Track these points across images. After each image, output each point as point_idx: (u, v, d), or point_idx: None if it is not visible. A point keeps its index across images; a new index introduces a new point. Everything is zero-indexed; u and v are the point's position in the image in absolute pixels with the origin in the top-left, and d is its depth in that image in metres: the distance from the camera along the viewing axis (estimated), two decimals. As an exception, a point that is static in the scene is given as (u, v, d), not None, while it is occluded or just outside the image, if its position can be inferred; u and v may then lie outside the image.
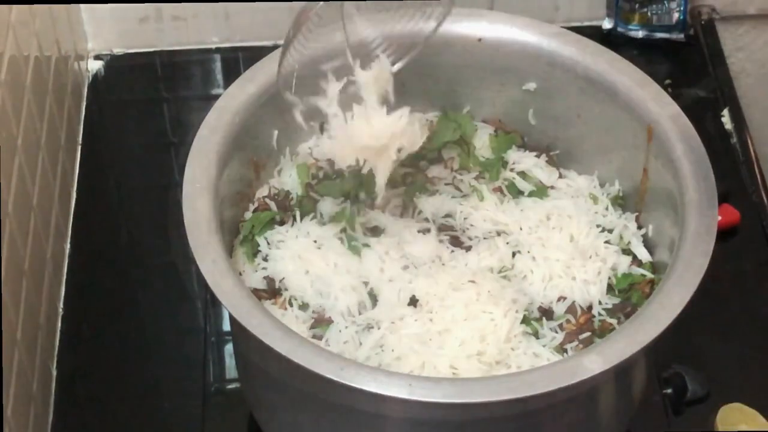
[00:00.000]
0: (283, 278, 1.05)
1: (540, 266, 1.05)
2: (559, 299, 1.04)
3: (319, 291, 1.04)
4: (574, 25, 1.45)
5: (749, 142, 1.39)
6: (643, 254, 1.08)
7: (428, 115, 1.18)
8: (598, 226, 1.09)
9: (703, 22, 1.51)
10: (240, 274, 1.05)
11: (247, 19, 1.48)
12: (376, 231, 1.08)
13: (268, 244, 1.08)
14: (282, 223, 1.10)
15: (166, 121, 1.45)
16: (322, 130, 1.15)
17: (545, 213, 1.10)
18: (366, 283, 1.04)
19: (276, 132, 1.12)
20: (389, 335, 0.99)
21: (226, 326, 1.23)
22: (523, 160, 1.15)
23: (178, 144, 1.40)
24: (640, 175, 1.09)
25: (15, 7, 1.15)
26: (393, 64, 1.03)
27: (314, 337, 1.01)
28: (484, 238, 1.09)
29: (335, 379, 0.88)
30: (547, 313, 1.04)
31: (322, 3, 0.94)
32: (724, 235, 1.20)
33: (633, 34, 1.50)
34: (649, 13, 1.49)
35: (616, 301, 1.05)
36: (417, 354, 0.98)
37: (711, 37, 1.50)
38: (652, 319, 0.92)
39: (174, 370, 1.21)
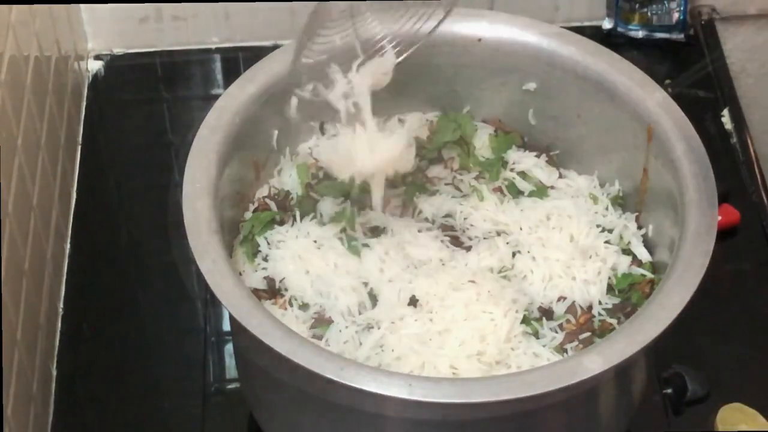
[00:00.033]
0: (283, 278, 1.05)
1: (540, 266, 1.05)
2: (559, 299, 1.04)
3: (319, 291, 1.04)
4: (574, 25, 1.45)
5: (749, 142, 1.39)
6: (643, 254, 1.08)
7: (428, 115, 1.18)
8: (598, 226, 1.09)
9: (703, 22, 1.51)
10: (240, 274, 1.05)
11: (247, 19, 1.48)
12: (376, 231, 1.08)
13: (268, 244, 1.08)
14: (282, 223, 1.10)
15: (166, 121, 1.45)
16: (322, 130, 1.15)
17: (545, 213, 1.10)
18: (366, 283, 1.04)
19: (276, 132, 1.12)
20: (389, 335, 0.99)
21: (226, 326, 1.23)
22: (523, 160, 1.15)
23: (178, 144, 1.40)
24: (640, 175, 1.09)
25: (15, 7, 1.15)
26: (397, 56, 1.03)
27: (314, 337, 1.01)
28: (484, 238, 1.09)
29: (335, 379, 0.88)
30: (547, 313, 1.04)
31: (341, 3, 0.96)
32: (724, 235, 1.20)
33: (633, 34, 1.50)
34: (649, 13, 1.49)
35: (616, 301, 1.05)
36: (417, 354, 0.98)
37: (711, 37, 1.50)
38: (652, 319, 0.92)
39: (174, 370, 1.21)
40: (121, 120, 1.44)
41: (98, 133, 1.42)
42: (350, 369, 0.89)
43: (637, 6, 1.48)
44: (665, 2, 1.48)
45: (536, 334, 1.02)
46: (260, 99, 1.07)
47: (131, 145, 1.42)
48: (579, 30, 1.14)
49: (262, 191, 1.12)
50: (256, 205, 1.11)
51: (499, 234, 1.09)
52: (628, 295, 1.05)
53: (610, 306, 1.04)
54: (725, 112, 1.42)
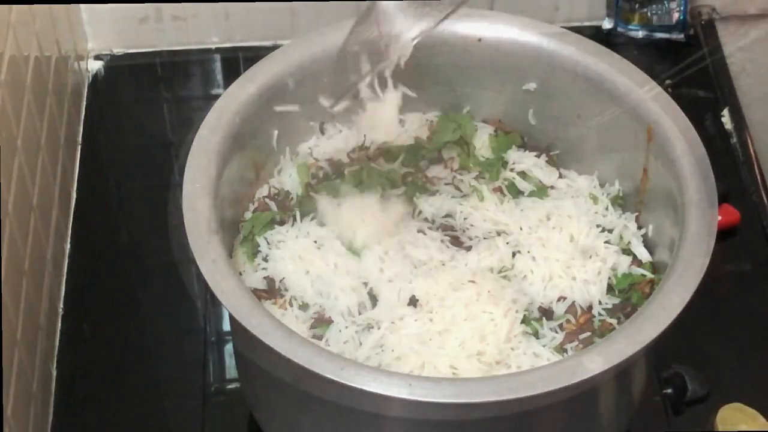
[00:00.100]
0: (283, 278, 1.05)
1: (540, 266, 1.05)
2: (559, 299, 1.04)
3: (319, 291, 1.04)
4: (574, 25, 1.46)
5: (749, 142, 1.39)
6: (643, 254, 1.08)
7: (428, 115, 1.18)
8: (598, 226, 1.09)
9: (703, 22, 1.51)
10: (240, 274, 1.05)
11: (247, 19, 1.48)
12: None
13: (268, 244, 1.08)
14: (282, 223, 1.10)
15: (166, 121, 1.45)
16: (322, 130, 1.15)
17: (545, 213, 1.10)
18: (366, 284, 1.04)
19: (276, 132, 1.12)
20: (389, 335, 0.99)
21: (226, 326, 1.23)
22: (523, 160, 1.15)
23: (178, 144, 1.40)
24: (640, 175, 1.09)
25: (15, 7, 1.15)
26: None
27: (314, 337, 1.01)
28: (484, 238, 1.09)
29: (335, 379, 0.88)
30: (547, 313, 1.04)
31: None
32: (724, 235, 1.20)
33: (633, 34, 1.50)
34: (649, 13, 1.49)
35: (616, 301, 1.05)
36: (417, 354, 0.98)
37: (711, 37, 1.50)
38: (652, 319, 0.92)
39: (174, 370, 1.21)
40: (121, 120, 1.44)
41: (98, 133, 1.42)
42: (350, 369, 0.89)
43: (637, 6, 1.48)
44: (665, 2, 1.48)
45: (536, 334, 1.02)
46: (260, 99, 1.07)
47: (131, 145, 1.42)
48: (579, 30, 1.14)
49: (262, 191, 1.12)
50: (256, 205, 1.11)
51: (499, 234, 1.09)
52: (628, 295, 1.05)
53: (610, 306, 1.04)
54: (725, 112, 1.42)
